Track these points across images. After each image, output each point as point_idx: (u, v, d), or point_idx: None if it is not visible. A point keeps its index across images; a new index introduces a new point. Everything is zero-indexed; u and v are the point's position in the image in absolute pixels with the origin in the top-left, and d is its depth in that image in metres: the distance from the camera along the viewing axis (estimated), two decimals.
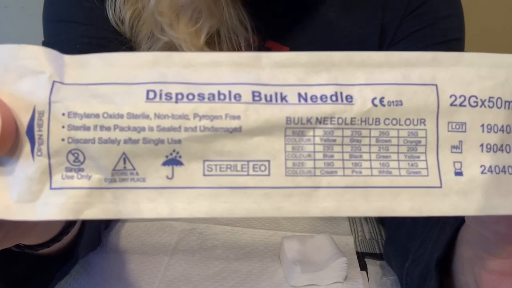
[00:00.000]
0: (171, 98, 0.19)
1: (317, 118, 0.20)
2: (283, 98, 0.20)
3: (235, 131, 0.20)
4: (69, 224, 0.36)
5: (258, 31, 0.46)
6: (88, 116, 0.19)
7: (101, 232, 0.50)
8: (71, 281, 0.44)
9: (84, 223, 0.41)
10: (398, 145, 0.21)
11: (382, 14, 0.48)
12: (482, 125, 0.21)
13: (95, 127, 0.19)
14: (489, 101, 0.21)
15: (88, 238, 0.43)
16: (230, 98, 0.20)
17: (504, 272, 0.27)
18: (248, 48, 0.47)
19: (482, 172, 0.21)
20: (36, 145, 0.19)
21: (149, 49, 0.46)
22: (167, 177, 0.20)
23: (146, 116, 0.19)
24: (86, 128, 0.19)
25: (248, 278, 0.45)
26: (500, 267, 0.27)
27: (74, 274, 0.45)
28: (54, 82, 0.19)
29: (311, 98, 0.20)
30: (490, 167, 0.21)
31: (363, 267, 0.47)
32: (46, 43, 0.49)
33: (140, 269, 0.46)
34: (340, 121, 0.20)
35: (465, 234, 0.30)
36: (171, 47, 0.45)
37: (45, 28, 0.49)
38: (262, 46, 0.48)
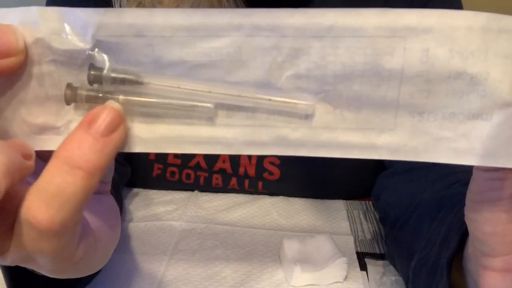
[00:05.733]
0: None
1: None
2: None
3: None
4: None
5: None
6: None
7: None
8: None
9: None
10: None
11: None
12: None
13: None
14: None
15: None
16: None
17: (495, 269, 0.27)
18: None
19: None
20: None
21: None
22: None
23: None
24: None
25: (248, 278, 0.45)
26: (492, 264, 0.27)
27: None
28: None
29: None
30: None
31: (363, 267, 0.47)
32: None
33: (140, 269, 0.46)
34: None
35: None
36: None
37: None
38: None
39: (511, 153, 0.21)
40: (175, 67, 0.21)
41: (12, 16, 0.21)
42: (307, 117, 0.22)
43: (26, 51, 0.21)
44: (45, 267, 0.23)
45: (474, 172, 0.26)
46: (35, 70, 0.21)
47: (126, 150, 0.22)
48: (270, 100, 0.21)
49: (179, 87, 0.21)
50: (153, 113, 0.22)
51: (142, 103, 0.22)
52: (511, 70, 0.21)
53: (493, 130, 0.21)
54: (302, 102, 0.21)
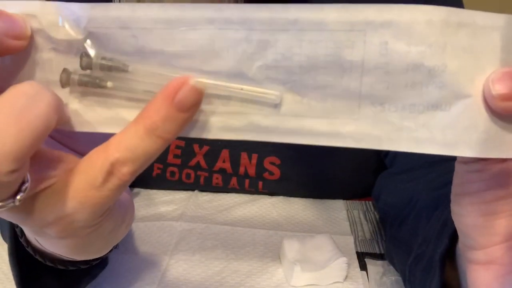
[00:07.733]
0: None
1: None
2: None
3: None
4: None
5: None
6: None
7: None
8: None
9: None
10: None
11: None
12: None
13: None
14: None
15: None
16: None
17: (479, 262, 0.27)
18: None
19: None
20: None
21: None
22: None
23: None
24: None
25: (248, 278, 0.45)
26: (475, 257, 0.27)
27: None
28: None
29: None
30: None
31: (363, 267, 0.47)
32: None
33: (140, 269, 0.46)
34: None
35: None
36: None
37: None
38: None
39: (469, 142, 0.22)
40: (157, 56, 0.23)
41: (13, 7, 0.23)
42: (276, 105, 0.23)
43: (30, 38, 0.23)
44: (73, 226, 0.24)
45: (456, 165, 0.26)
46: (37, 56, 0.24)
47: (113, 131, 0.24)
48: (242, 89, 0.23)
49: (160, 74, 0.23)
50: (138, 99, 0.24)
51: (127, 89, 0.24)
52: (468, 63, 0.21)
53: (452, 120, 0.22)
54: (270, 92, 0.23)
